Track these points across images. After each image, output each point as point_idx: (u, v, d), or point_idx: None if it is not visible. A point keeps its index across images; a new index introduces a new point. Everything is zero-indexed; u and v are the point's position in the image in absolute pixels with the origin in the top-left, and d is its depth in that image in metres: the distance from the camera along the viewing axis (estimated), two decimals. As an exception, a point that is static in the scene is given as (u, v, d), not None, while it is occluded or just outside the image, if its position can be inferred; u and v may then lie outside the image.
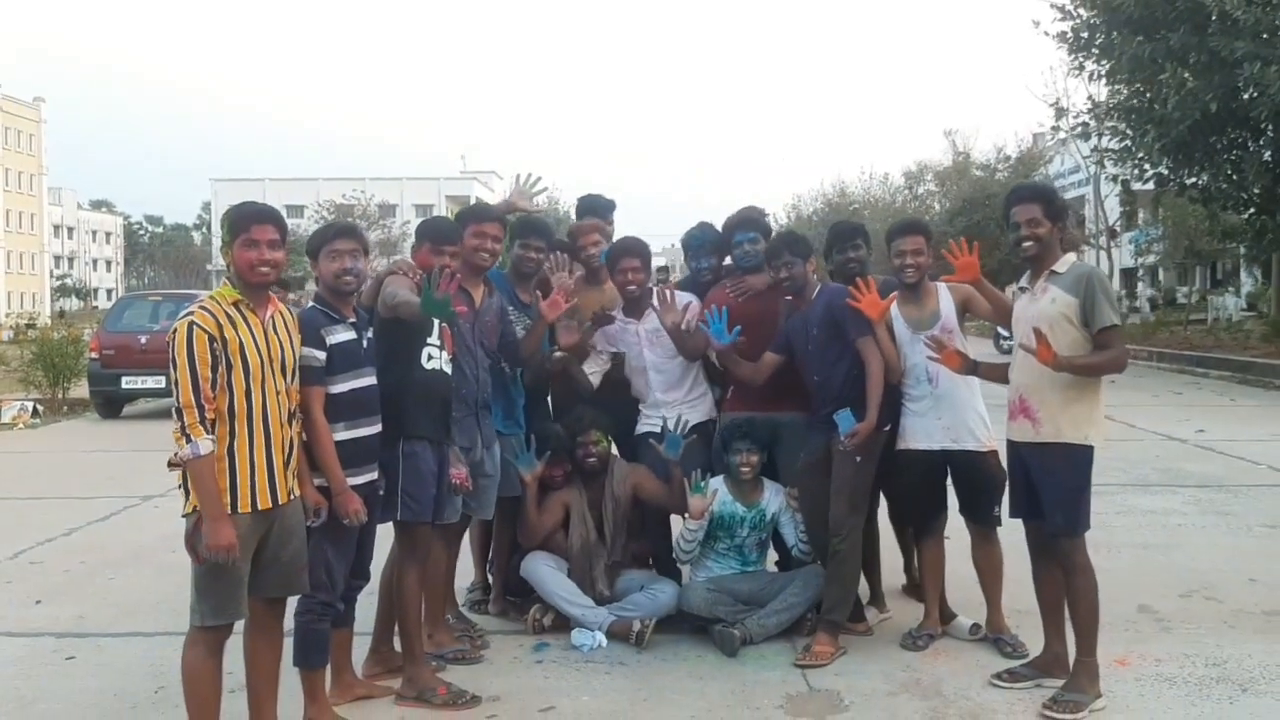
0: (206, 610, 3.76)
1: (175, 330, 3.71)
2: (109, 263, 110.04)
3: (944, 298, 5.18)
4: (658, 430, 5.55)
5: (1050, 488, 4.48)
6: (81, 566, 7.05)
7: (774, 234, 5.74)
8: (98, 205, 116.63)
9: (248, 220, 3.86)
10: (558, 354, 5.56)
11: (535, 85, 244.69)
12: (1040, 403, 4.48)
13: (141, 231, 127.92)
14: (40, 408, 16.39)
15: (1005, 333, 5.55)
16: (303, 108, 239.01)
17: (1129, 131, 22.18)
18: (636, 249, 5.76)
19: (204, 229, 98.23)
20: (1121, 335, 4.55)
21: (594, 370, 5.80)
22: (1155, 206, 25.12)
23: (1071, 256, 4.60)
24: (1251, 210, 22.60)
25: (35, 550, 7.53)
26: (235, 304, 3.82)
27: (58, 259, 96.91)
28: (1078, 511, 4.47)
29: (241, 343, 3.76)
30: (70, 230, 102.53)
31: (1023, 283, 4.71)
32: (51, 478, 10.72)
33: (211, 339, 3.68)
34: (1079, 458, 4.47)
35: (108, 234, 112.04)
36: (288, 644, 4.23)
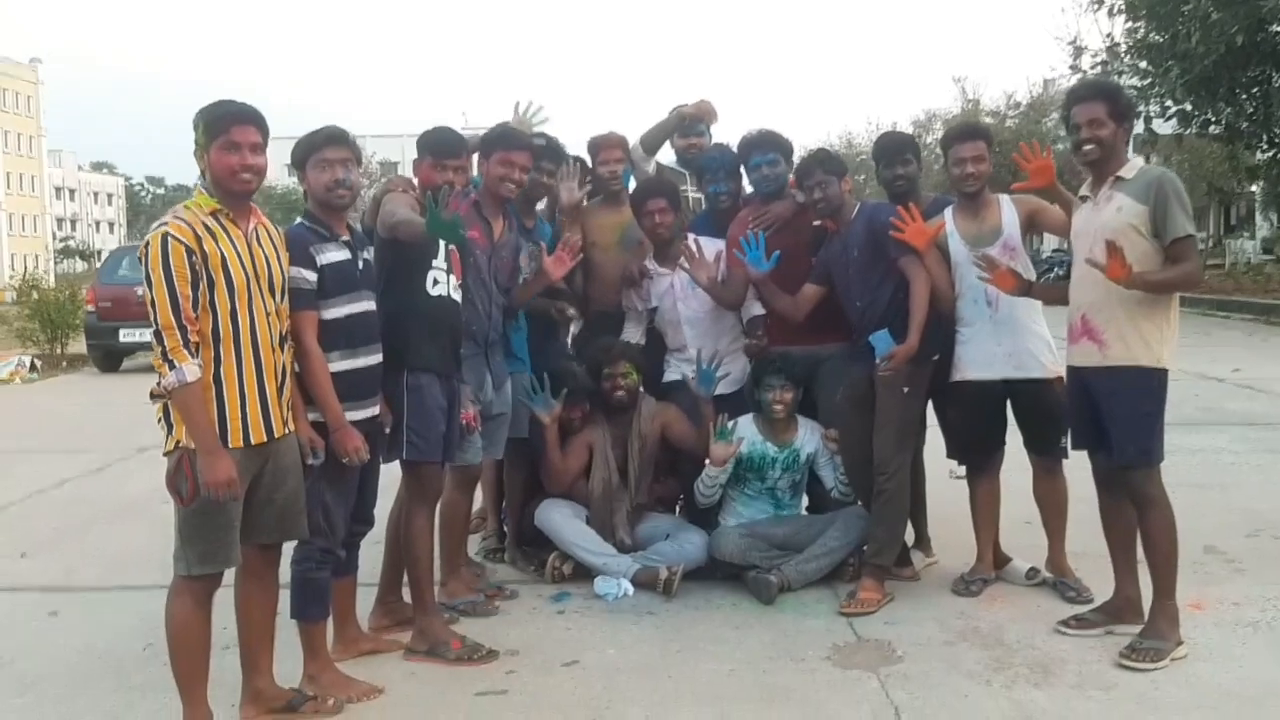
0: (193, 557, 3.37)
1: (148, 243, 3.28)
2: (111, 224, 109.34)
3: (1007, 211, 4.71)
4: (688, 378, 5.13)
5: (1120, 415, 4.06)
6: (71, 518, 6.68)
7: (807, 153, 5.23)
8: (98, 167, 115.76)
9: (226, 120, 3.40)
10: (571, 312, 5.28)
11: (535, 37, 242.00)
12: (1106, 322, 4.05)
13: (143, 193, 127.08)
14: (38, 363, 16.00)
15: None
16: (302, 65, 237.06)
17: (1150, 68, 21.57)
18: (660, 188, 5.24)
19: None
20: (1196, 246, 4.11)
21: (634, 337, 5.42)
22: (1176, 145, 24.63)
23: (1139, 161, 4.15)
24: (1275, 150, 22.03)
25: (24, 503, 7.17)
26: (213, 214, 3.38)
27: (60, 221, 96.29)
28: (1151, 440, 4.06)
29: (224, 256, 3.33)
30: (72, 192, 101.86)
31: (1084, 191, 4.26)
32: (44, 431, 10.33)
33: (189, 251, 3.25)
34: (1151, 381, 4.05)
35: (109, 195, 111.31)
36: (284, 596, 3.85)
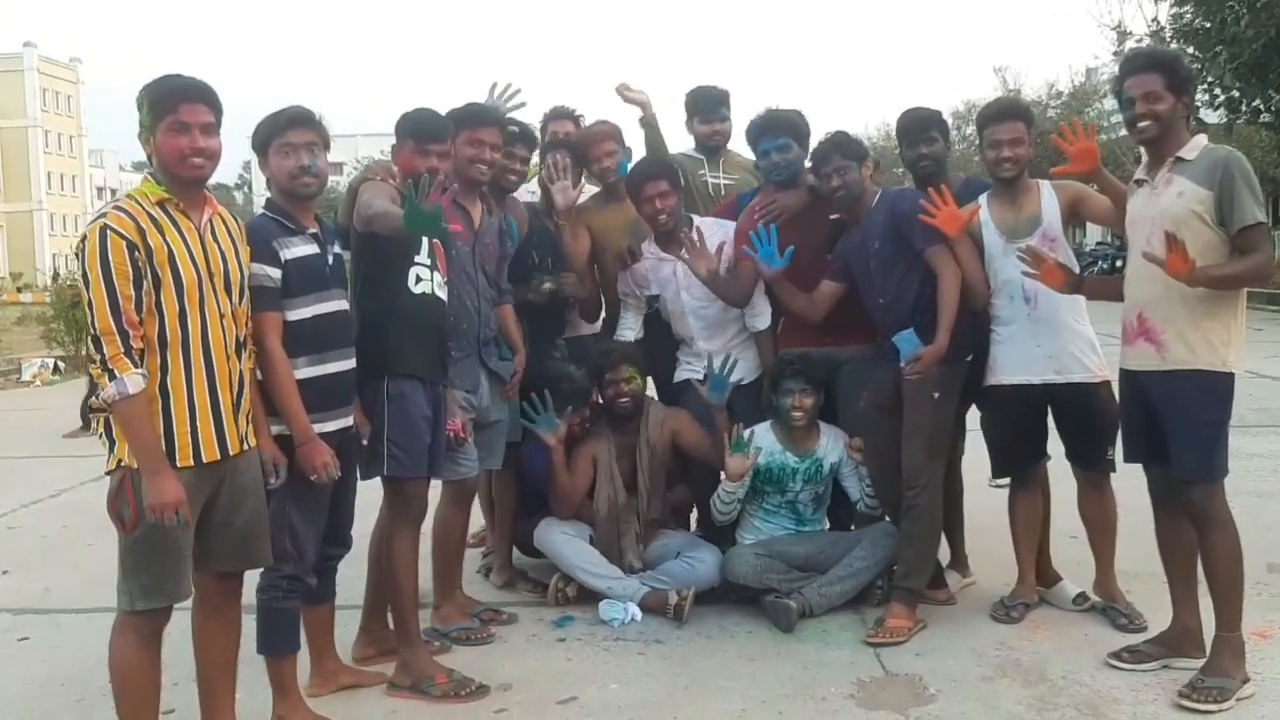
0: (136, 591, 3.02)
1: (85, 237, 2.93)
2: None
3: (1047, 198, 4.28)
4: (700, 377, 4.74)
5: (1180, 425, 3.64)
6: (62, 531, 6.42)
7: (824, 137, 4.77)
8: (140, 167, 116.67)
9: (175, 98, 3.03)
10: (546, 285, 4.77)
11: (566, 25, 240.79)
12: (1166, 321, 3.62)
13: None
14: (61, 365, 15.86)
15: None
16: (339, 65, 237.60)
17: (1197, 54, 20.91)
18: (660, 170, 4.80)
19: (245, 188, 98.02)
20: (1268, 235, 3.66)
21: (633, 328, 5.01)
22: (1227, 135, 23.94)
23: (1202, 139, 3.70)
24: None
25: (16, 514, 6.93)
26: (160, 204, 3.03)
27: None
28: (1214, 453, 3.64)
29: (171, 251, 2.98)
30: (113, 192, 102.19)
31: (1139, 174, 3.82)
32: (52, 436, 10.07)
33: (131, 246, 2.90)
34: (1216, 387, 3.63)
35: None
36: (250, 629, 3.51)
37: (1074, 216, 4.35)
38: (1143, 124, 3.66)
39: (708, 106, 5.34)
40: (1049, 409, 4.36)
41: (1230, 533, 3.68)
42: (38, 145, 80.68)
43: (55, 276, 18.34)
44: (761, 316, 4.81)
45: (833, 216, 4.63)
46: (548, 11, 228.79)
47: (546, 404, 4.54)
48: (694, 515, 5.13)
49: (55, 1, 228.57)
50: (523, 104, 4.92)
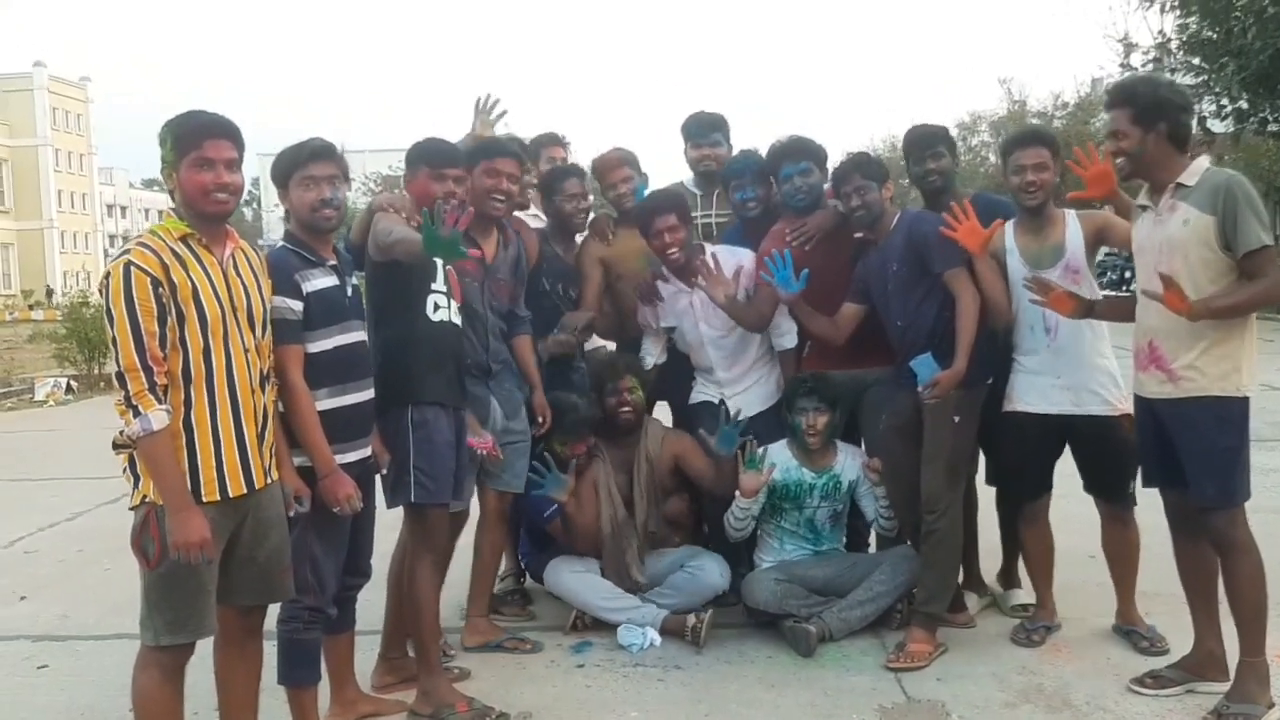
0: (160, 626, 3.01)
1: (108, 274, 2.94)
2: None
3: (1071, 228, 4.24)
4: (715, 401, 4.72)
5: (1197, 452, 3.61)
6: (78, 556, 6.41)
7: (845, 157, 4.78)
8: (149, 184, 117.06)
9: (199, 134, 3.04)
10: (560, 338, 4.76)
11: (570, 41, 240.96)
12: (1176, 349, 3.59)
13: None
14: (74, 384, 15.88)
15: None
16: (346, 81, 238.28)
17: (1204, 65, 20.88)
18: (668, 204, 4.72)
19: (254, 204, 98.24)
20: (1275, 258, 3.62)
21: (653, 353, 4.98)
22: (1234, 145, 23.81)
23: (1204, 163, 3.65)
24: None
25: (33, 538, 6.91)
26: (183, 239, 3.04)
27: (112, 238, 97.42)
28: (1233, 477, 3.61)
29: (195, 287, 2.99)
30: (123, 209, 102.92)
31: (1142, 199, 3.79)
32: (65, 457, 10.06)
33: (155, 283, 2.91)
34: (1231, 412, 3.59)
35: (160, 212, 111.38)
36: (273, 654, 3.53)
37: (1099, 244, 4.31)
38: (1117, 161, 3.68)
39: (698, 131, 5.27)
40: (1066, 442, 4.34)
41: (1254, 557, 3.65)
42: (48, 163, 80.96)
43: (49, 293, 18.32)
44: (788, 335, 4.79)
45: (857, 235, 4.62)
46: (554, 27, 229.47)
47: (550, 466, 4.53)
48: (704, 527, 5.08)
49: (65, 21, 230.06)
50: (504, 112, 4.90)
